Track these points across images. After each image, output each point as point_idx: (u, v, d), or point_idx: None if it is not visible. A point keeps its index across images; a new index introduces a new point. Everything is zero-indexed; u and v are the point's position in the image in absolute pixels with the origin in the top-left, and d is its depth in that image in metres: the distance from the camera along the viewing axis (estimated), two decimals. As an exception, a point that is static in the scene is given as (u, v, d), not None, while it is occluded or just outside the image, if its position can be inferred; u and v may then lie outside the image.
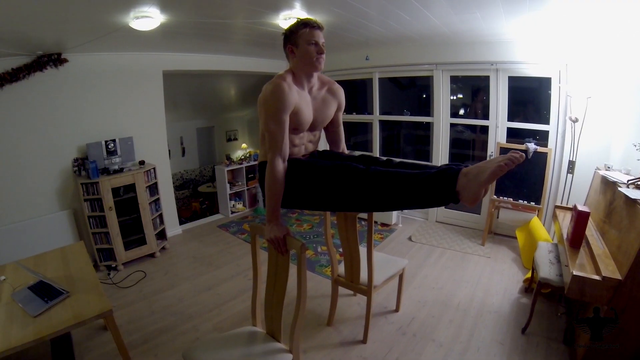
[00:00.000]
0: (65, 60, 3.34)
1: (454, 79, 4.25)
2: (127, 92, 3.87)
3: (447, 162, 4.16)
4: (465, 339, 2.47)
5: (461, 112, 4.44)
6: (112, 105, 3.79)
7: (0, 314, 1.88)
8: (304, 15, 2.75)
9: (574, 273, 1.92)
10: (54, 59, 3.26)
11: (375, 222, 4.47)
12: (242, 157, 5.77)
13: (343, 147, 2.11)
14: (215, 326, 2.71)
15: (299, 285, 1.66)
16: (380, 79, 4.66)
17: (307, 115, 1.77)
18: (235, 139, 8.10)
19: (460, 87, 4.46)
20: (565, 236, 2.45)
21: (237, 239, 4.42)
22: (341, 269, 2.55)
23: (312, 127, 1.84)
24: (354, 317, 2.74)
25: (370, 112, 4.84)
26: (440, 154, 4.32)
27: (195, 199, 6.93)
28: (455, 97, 4.42)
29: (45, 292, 1.99)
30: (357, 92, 5.29)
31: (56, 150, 3.48)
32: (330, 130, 2.03)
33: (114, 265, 3.60)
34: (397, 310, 2.78)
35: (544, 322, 2.59)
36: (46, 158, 3.43)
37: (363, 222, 4.43)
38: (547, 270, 2.43)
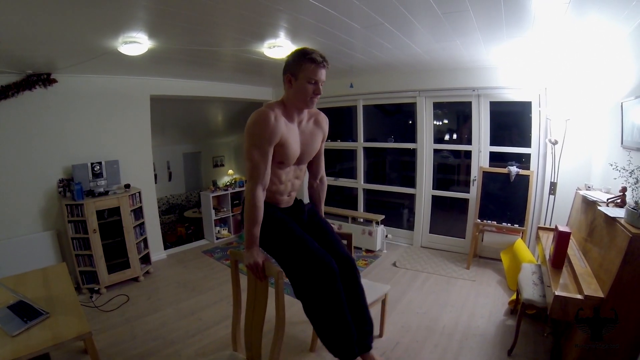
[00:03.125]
0: (55, 81, 3.40)
1: (438, 105, 4.41)
2: (115, 115, 3.93)
3: (430, 190, 4.29)
4: (450, 363, 2.45)
5: (446, 137, 4.59)
6: (99, 128, 3.83)
7: None
8: (288, 44, 2.86)
9: (556, 293, 1.96)
10: (44, 79, 3.31)
11: (359, 249, 4.49)
12: (228, 183, 5.81)
13: (322, 175, 2.14)
14: (197, 352, 2.64)
15: (277, 312, 1.64)
16: (365, 106, 4.81)
17: (294, 149, 1.79)
18: (222, 165, 8.18)
19: (445, 113, 4.64)
20: (547, 257, 2.50)
21: (222, 264, 4.38)
22: None
23: (299, 161, 1.87)
24: (337, 343, 2.70)
25: (355, 139, 4.96)
26: (424, 180, 4.42)
27: (181, 224, 6.89)
28: (440, 123, 4.58)
29: (24, 312, 1.95)
30: (342, 119, 5.43)
31: (42, 170, 3.48)
32: (312, 160, 2.02)
33: (96, 288, 3.52)
34: (380, 335, 2.75)
35: (530, 344, 2.60)
36: (31, 177, 3.43)
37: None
38: (530, 291, 2.47)
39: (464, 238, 4.26)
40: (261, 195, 1.71)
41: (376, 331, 2.77)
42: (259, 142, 1.66)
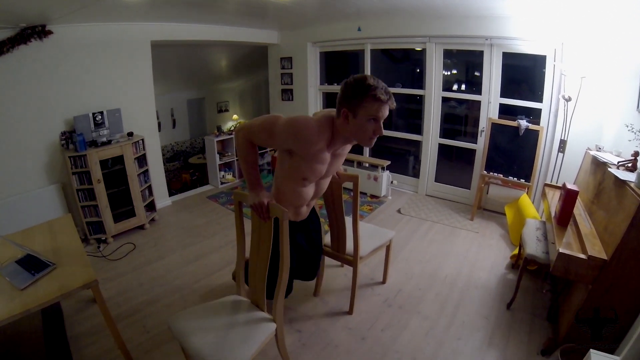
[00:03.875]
0: (50, 32, 3.21)
1: (448, 55, 4.14)
2: (115, 63, 3.75)
3: (437, 138, 4.18)
4: (450, 312, 2.52)
5: (454, 87, 4.36)
6: (99, 77, 3.67)
7: None
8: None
9: (560, 250, 1.94)
10: (38, 31, 3.13)
11: (364, 194, 4.49)
12: (232, 128, 5.67)
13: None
14: (203, 297, 2.74)
15: (281, 254, 1.67)
16: (373, 51, 4.52)
17: (319, 171, 1.73)
18: (227, 110, 8.00)
19: (455, 63, 4.36)
20: (553, 214, 2.47)
21: (226, 209, 4.43)
22: (327, 239, 2.55)
23: (323, 177, 1.84)
24: (340, 288, 2.78)
25: None
26: (432, 128, 4.26)
27: (186, 170, 6.90)
28: (448, 73, 4.33)
29: (32, 265, 1.98)
30: (348, 64, 5.17)
31: (43, 124, 3.39)
32: None
33: (103, 238, 3.60)
34: (383, 282, 2.82)
35: (529, 299, 2.64)
36: (34, 132, 3.36)
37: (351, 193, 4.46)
38: (534, 247, 2.46)
39: (469, 189, 4.21)
40: (250, 144, 1.67)
41: (379, 277, 2.85)
42: (283, 133, 1.54)
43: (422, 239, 3.49)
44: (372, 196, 4.42)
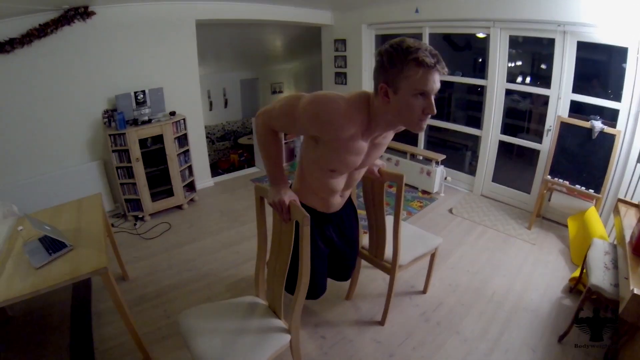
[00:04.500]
0: (93, 13, 3.25)
1: (513, 44, 3.58)
2: (158, 43, 3.71)
3: (497, 134, 3.69)
4: (493, 337, 2.15)
5: (518, 80, 3.78)
6: (142, 57, 3.66)
7: (10, 264, 1.87)
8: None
9: (635, 291, 1.52)
10: (81, 12, 3.17)
11: (415, 188, 4.12)
12: None
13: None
14: (228, 287, 2.62)
15: (300, 262, 1.46)
16: (432, 37, 4.07)
17: (352, 163, 1.44)
18: (281, 92, 7.92)
19: (520, 53, 3.77)
20: (628, 239, 1.97)
21: None
22: (365, 240, 2.27)
23: (358, 168, 1.55)
24: (375, 294, 2.51)
25: None
26: (492, 122, 3.74)
27: (235, 150, 6.90)
28: (512, 64, 3.77)
29: (52, 244, 1.94)
30: None
31: (87, 102, 3.46)
32: None
33: (141, 216, 3.63)
34: (424, 292, 2.51)
35: (585, 334, 2.15)
36: (78, 110, 3.44)
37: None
38: (600, 276, 1.99)
39: (529, 194, 3.66)
40: (271, 134, 1.43)
41: (420, 285, 2.54)
42: (303, 116, 1.26)
43: (473, 245, 3.08)
44: (424, 192, 4.05)
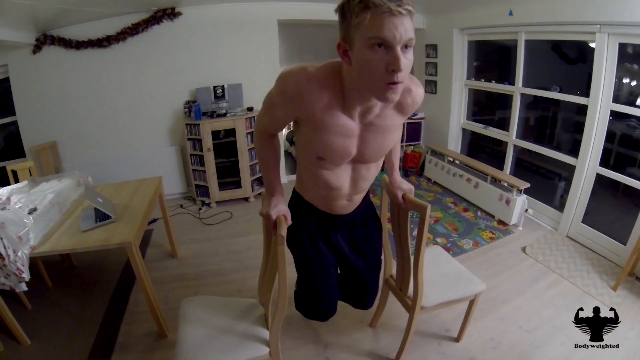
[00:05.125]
0: (179, 13, 3.63)
1: (631, 55, 2.81)
2: (240, 41, 3.94)
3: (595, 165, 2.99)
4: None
5: (639, 102, 2.93)
6: (223, 54, 3.94)
7: (68, 223, 2.20)
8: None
9: None
10: (168, 13, 3.57)
11: (492, 216, 3.61)
12: None
13: (394, 167, 1.68)
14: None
15: (279, 282, 1.38)
16: (535, 45, 3.47)
17: (340, 147, 1.21)
18: None
19: None
20: None
21: None
22: (395, 268, 2.00)
23: (360, 161, 1.31)
24: (403, 327, 2.24)
25: (512, 82, 3.70)
26: (591, 151, 3.00)
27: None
28: (630, 81, 2.97)
29: (101, 214, 2.19)
30: (499, 56, 4.17)
31: (171, 93, 3.89)
32: None
33: (207, 202, 3.90)
34: (457, 340, 2.15)
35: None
36: (163, 99, 3.89)
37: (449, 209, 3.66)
38: None
39: (625, 245, 2.82)
40: (267, 140, 1.36)
41: (455, 332, 2.19)
42: (276, 98, 1.17)
43: (538, 296, 2.52)
44: (500, 222, 3.52)
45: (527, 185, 3.35)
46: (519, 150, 3.87)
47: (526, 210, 3.42)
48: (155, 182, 2.75)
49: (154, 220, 3.52)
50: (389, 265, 2.03)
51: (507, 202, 3.40)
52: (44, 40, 3.41)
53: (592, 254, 3.01)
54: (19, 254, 1.87)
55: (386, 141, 1.26)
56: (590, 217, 3.15)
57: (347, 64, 1.01)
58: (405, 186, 1.66)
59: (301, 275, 1.64)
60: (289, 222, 1.36)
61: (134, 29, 3.52)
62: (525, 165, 3.94)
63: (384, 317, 2.25)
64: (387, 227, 1.91)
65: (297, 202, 1.53)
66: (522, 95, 3.66)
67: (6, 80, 3.58)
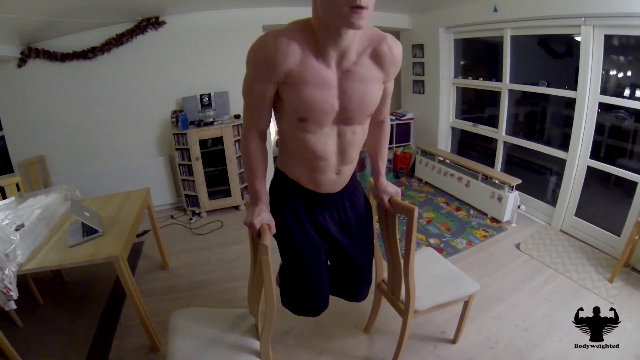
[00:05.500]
0: (164, 22, 3.63)
1: (624, 49, 2.83)
2: (225, 48, 3.91)
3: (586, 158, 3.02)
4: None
5: (626, 92, 2.94)
6: (209, 62, 3.92)
7: (55, 238, 2.17)
8: None
9: None
10: (153, 22, 3.57)
11: (484, 214, 3.60)
12: None
13: (383, 119, 1.52)
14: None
15: (266, 293, 1.36)
16: (521, 41, 3.47)
17: (321, 101, 1.17)
18: None
19: (631, 61, 2.95)
20: None
21: None
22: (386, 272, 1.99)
23: (344, 120, 1.25)
24: (398, 330, 2.22)
25: (500, 79, 3.71)
26: (581, 144, 2.99)
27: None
28: (617, 73, 2.98)
29: (89, 228, 2.15)
30: (488, 55, 4.17)
31: (158, 102, 3.86)
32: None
33: (197, 212, 3.87)
34: (453, 342, 2.13)
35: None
36: (150, 110, 3.87)
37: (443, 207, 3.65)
38: None
39: (619, 236, 2.83)
40: (255, 141, 1.33)
41: (451, 334, 2.17)
42: (248, 80, 1.20)
43: (533, 293, 2.51)
44: (493, 219, 3.51)
45: (519, 181, 3.35)
46: (509, 146, 3.87)
47: (519, 207, 3.40)
48: (143, 193, 2.71)
49: (145, 232, 3.49)
50: (381, 269, 2.00)
51: (499, 199, 3.40)
52: (29, 53, 3.38)
53: (586, 247, 3.01)
54: (6, 271, 1.84)
55: (367, 95, 1.22)
56: (583, 210, 3.15)
57: (314, 5, 1.05)
58: (391, 189, 1.61)
59: (287, 262, 1.52)
60: (273, 231, 1.35)
61: (119, 40, 3.50)
62: (516, 162, 3.94)
63: (378, 322, 2.22)
64: (376, 229, 1.90)
65: (280, 181, 1.44)
66: (511, 91, 3.67)
67: None
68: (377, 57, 1.20)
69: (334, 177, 1.37)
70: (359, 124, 1.30)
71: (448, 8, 3.92)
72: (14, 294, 1.87)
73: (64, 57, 3.45)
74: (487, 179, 3.63)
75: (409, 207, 1.51)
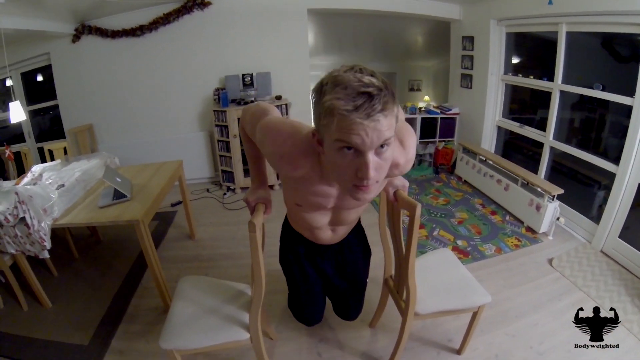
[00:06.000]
0: (209, 3, 3.73)
1: None
2: (269, 29, 3.97)
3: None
4: None
5: None
6: (252, 42, 4.00)
7: (90, 199, 2.38)
8: None
9: None
10: (199, 3, 3.69)
11: (521, 222, 3.36)
12: (419, 108, 4.88)
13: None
14: (269, 273, 2.66)
15: (253, 269, 1.45)
16: (570, 34, 3.13)
17: (317, 203, 1.25)
18: (419, 90, 7.50)
19: None
20: None
21: None
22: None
23: (339, 208, 1.33)
24: (406, 330, 2.19)
25: (551, 78, 3.37)
26: (634, 159, 2.67)
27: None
28: None
29: (118, 192, 2.33)
30: (537, 49, 3.82)
31: (201, 80, 4.02)
32: None
33: (232, 187, 4.00)
34: (458, 352, 2.02)
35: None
36: (193, 86, 4.04)
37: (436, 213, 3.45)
38: None
39: None
40: (249, 139, 1.39)
41: (457, 343, 2.07)
42: (259, 146, 1.19)
43: (557, 315, 2.29)
44: (529, 229, 3.28)
45: (561, 191, 3.08)
46: (558, 153, 3.56)
47: (558, 219, 3.14)
48: (175, 165, 2.86)
49: (179, 203, 3.67)
50: (389, 265, 1.95)
51: (538, 208, 3.17)
52: (82, 30, 3.67)
53: (627, 273, 2.71)
54: (42, 224, 2.05)
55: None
56: (629, 233, 2.83)
57: (321, 152, 0.97)
58: (397, 182, 1.53)
59: (289, 289, 1.82)
60: (269, 211, 1.45)
61: (166, 19, 3.67)
62: (563, 170, 3.62)
63: (385, 318, 2.18)
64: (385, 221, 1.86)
65: (287, 229, 1.64)
66: (565, 94, 3.35)
67: (49, 67, 3.93)
68: (386, 175, 1.13)
69: (330, 234, 1.50)
70: (357, 207, 1.38)
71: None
72: (48, 244, 2.08)
73: (114, 34, 3.70)
74: (527, 184, 3.40)
75: (412, 202, 1.44)
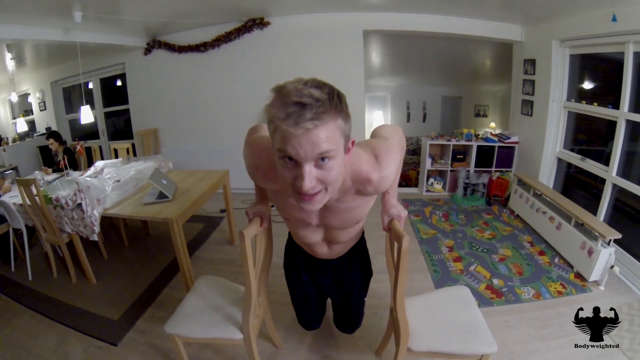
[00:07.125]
0: (268, 23, 4.02)
1: None
2: (324, 50, 4.17)
3: None
4: None
5: None
6: (308, 61, 4.22)
7: (139, 195, 2.70)
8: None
9: None
10: (258, 23, 4.00)
11: (570, 266, 3.02)
12: (475, 135, 4.71)
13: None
14: (282, 283, 2.75)
15: (244, 277, 1.56)
16: (638, 54, 2.77)
17: (299, 218, 1.31)
18: (485, 115, 7.22)
19: None
20: None
21: (409, 217, 4.03)
22: None
23: (327, 227, 1.37)
24: (410, 360, 2.11)
25: (616, 106, 3.02)
26: None
27: (415, 168, 6.71)
28: None
29: (163, 193, 2.61)
30: (599, 72, 3.43)
31: (256, 95, 4.31)
32: None
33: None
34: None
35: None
36: (249, 101, 4.36)
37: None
38: None
39: None
40: None
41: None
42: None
43: None
44: (578, 275, 2.92)
45: (618, 235, 2.72)
46: (627, 192, 3.14)
47: (612, 267, 2.78)
48: (220, 174, 3.11)
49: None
50: (394, 295, 1.91)
51: (590, 252, 2.83)
52: (153, 44, 4.20)
53: (686, 340, 2.30)
54: (94, 211, 2.39)
55: (350, 216, 1.29)
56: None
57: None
58: (394, 211, 1.46)
59: (290, 295, 1.88)
60: (266, 224, 1.57)
61: (228, 37, 4.05)
62: (629, 211, 3.19)
63: (392, 347, 2.05)
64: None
65: (290, 241, 1.74)
66: (630, 123, 2.99)
67: (123, 75, 4.58)
68: (362, 192, 1.16)
69: (327, 250, 1.54)
70: (344, 229, 1.38)
71: (563, 17, 3.37)
72: (97, 229, 2.44)
73: (181, 49, 4.18)
74: (582, 225, 3.06)
75: (400, 234, 1.38)
